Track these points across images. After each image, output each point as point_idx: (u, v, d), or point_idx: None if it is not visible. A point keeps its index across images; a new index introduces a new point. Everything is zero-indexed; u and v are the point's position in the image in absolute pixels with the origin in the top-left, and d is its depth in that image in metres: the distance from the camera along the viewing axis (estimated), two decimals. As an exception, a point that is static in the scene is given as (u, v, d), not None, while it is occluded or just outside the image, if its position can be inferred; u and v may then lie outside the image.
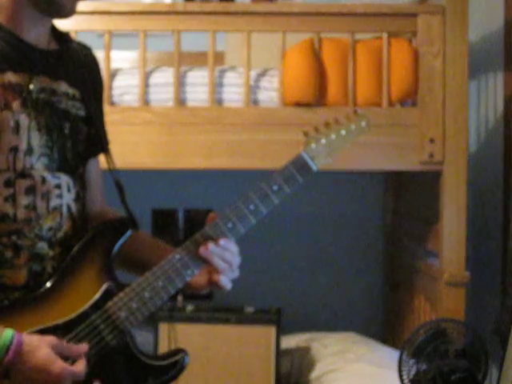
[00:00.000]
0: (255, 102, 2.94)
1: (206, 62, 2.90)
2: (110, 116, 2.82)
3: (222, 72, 2.97)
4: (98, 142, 1.61)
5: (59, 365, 1.35)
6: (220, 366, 3.12)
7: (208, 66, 2.90)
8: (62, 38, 1.57)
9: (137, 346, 1.49)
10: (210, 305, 3.36)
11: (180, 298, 3.21)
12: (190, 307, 3.18)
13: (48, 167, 1.46)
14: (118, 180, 1.59)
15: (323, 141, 1.60)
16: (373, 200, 4.07)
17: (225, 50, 3.53)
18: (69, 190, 1.50)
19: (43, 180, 1.45)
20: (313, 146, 1.59)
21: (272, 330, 3.11)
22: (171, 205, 3.90)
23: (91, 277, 1.47)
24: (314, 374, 3.20)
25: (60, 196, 1.48)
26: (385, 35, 2.92)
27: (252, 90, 2.92)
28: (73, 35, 2.74)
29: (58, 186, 1.48)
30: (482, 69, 3.49)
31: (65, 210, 1.49)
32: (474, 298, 3.38)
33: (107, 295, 1.47)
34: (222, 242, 1.50)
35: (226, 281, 1.52)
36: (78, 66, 1.57)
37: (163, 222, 3.86)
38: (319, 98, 2.90)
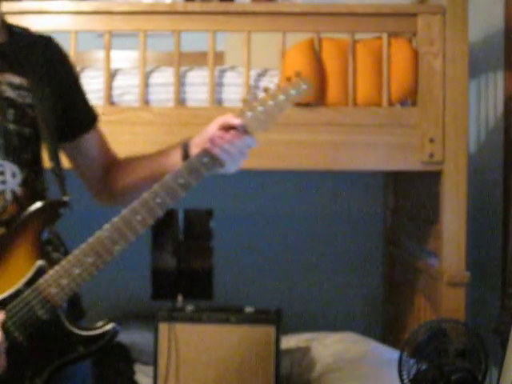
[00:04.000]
0: (255, 102, 2.94)
1: (206, 62, 2.90)
2: (110, 116, 2.86)
3: (222, 72, 2.97)
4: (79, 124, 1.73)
5: None
6: (220, 366, 3.12)
7: (208, 66, 2.89)
8: (11, 30, 1.62)
9: (69, 318, 1.57)
10: (210, 305, 3.36)
11: (180, 297, 3.20)
12: (189, 307, 3.18)
13: None
14: (60, 174, 1.63)
15: (260, 108, 1.62)
16: (373, 200, 4.07)
17: (225, 50, 3.53)
18: (14, 176, 1.56)
19: None
20: (249, 113, 1.63)
21: (272, 330, 3.10)
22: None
23: (24, 256, 1.55)
24: (314, 374, 3.20)
25: (3, 182, 1.55)
26: (385, 35, 2.92)
27: (252, 90, 2.92)
28: (73, 35, 2.75)
29: (1, 173, 1.55)
30: (482, 69, 3.49)
31: (9, 195, 1.56)
32: (474, 298, 3.37)
33: (39, 273, 1.54)
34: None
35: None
36: (31, 57, 1.62)
37: (163, 222, 3.82)
38: (319, 97, 2.90)
